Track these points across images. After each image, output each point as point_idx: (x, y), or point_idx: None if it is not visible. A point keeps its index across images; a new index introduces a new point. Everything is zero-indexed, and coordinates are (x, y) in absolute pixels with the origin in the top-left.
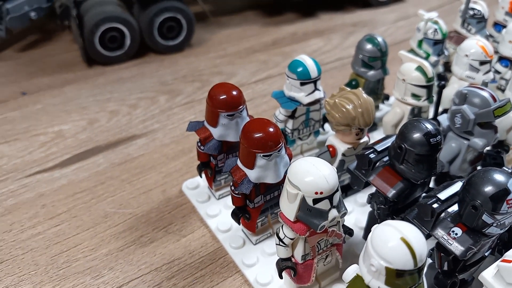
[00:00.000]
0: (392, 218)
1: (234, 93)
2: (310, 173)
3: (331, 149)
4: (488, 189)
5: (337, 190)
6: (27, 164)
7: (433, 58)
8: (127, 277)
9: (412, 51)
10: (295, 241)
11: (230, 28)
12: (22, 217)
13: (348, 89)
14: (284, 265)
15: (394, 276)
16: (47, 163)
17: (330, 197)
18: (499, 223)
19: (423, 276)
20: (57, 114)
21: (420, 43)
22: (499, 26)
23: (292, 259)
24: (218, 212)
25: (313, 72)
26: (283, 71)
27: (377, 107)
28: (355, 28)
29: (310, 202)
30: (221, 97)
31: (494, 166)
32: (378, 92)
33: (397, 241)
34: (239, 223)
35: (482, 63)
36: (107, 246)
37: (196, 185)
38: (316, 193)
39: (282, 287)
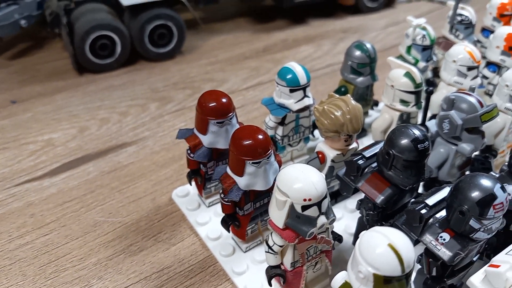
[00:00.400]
0: (381, 224)
1: (224, 100)
2: (298, 180)
3: (320, 155)
4: (475, 194)
5: (325, 197)
6: (15, 173)
7: (422, 64)
8: (116, 286)
9: (401, 57)
10: (284, 248)
11: (222, 34)
12: (10, 226)
13: (337, 95)
14: (273, 273)
15: (382, 282)
16: (36, 172)
17: (318, 204)
18: (486, 228)
19: (412, 282)
20: (47, 122)
21: (409, 49)
22: (487, 31)
23: (282, 266)
24: (208, 220)
25: (302, 79)
26: (274, 77)
27: (366, 113)
28: (345, 35)
29: (298, 209)
30: (210, 105)
31: (482, 171)
32: (367, 98)
33: (384, 248)
34: (228, 231)
35: (470, 68)
36: (96, 255)
37: (186, 193)
38: (305, 200)
39: None
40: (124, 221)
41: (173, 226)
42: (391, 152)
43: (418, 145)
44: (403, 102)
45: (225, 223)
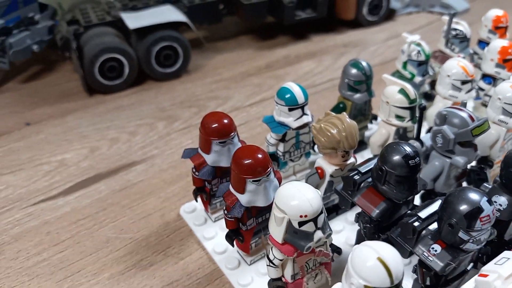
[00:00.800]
0: (378, 236)
1: (225, 121)
2: (295, 197)
3: (319, 171)
4: (463, 207)
5: (321, 213)
6: (31, 193)
7: (418, 79)
8: None
9: (398, 72)
10: (285, 261)
11: (225, 53)
12: (28, 244)
13: (333, 114)
14: (275, 285)
15: None
16: (51, 191)
17: (314, 220)
18: (475, 239)
19: None
20: (59, 143)
21: (405, 65)
22: (483, 43)
23: (283, 278)
24: (214, 235)
25: (300, 98)
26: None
27: (366, 127)
28: (346, 49)
29: (295, 225)
30: (213, 126)
31: (479, 181)
32: (365, 113)
33: (374, 261)
34: (233, 245)
35: (464, 82)
36: (109, 270)
37: (193, 209)
38: (301, 216)
39: None
40: (134, 237)
41: (181, 241)
42: (384, 168)
43: (409, 161)
44: (399, 117)
45: (229, 238)
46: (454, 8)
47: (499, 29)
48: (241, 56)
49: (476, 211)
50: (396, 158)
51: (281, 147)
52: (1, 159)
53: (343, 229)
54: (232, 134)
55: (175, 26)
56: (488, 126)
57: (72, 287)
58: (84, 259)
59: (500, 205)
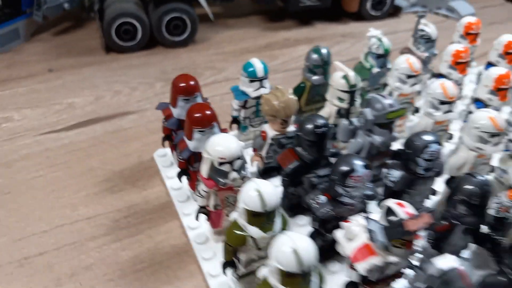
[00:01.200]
0: (292, 186)
1: (192, 82)
2: (219, 144)
3: (263, 134)
4: (341, 167)
5: (239, 159)
6: (41, 125)
7: (375, 70)
8: (95, 213)
9: (360, 62)
10: (209, 194)
11: (233, 29)
12: (30, 163)
13: (280, 87)
14: (201, 211)
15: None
16: (57, 126)
17: (231, 163)
18: (349, 194)
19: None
20: (73, 89)
21: (366, 56)
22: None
23: (207, 207)
24: (174, 175)
25: (260, 73)
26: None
27: (322, 107)
28: (343, 39)
29: (216, 165)
30: (180, 84)
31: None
32: (322, 94)
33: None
34: (181, 181)
35: (409, 76)
36: (87, 190)
37: (164, 154)
38: (220, 158)
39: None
40: (113, 169)
41: (148, 177)
42: (298, 134)
43: (316, 130)
44: (340, 99)
45: (180, 175)
46: (459, 13)
47: (459, 64)
48: (246, 34)
49: (350, 170)
50: (308, 126)
51: (242, 113)
52: (24, 96)
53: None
54: (196, 93)
55: (189, 0)
56: (403, 113)
57: (57, 197)
58: (70, 179)
59: (395, 177)
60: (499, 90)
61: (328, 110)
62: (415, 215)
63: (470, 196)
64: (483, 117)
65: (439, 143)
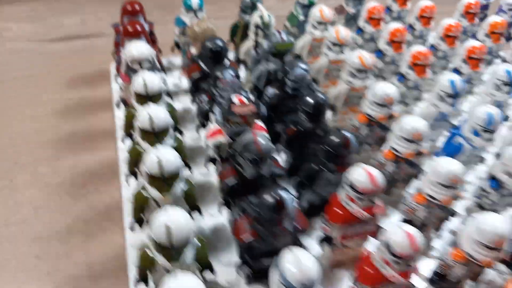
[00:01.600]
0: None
1: (136, 6)
2: (133, 48)
3: (188, 55)
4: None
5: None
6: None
7: (301, 17)
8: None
9: (292, 12)
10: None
11: None
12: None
13: (206, 20)
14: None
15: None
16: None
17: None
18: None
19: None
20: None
21: (295, 6)
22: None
23: None
24: None
25: (194, 5)
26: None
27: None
28: None
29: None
30: (126, 7)
31: None
32: None
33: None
34: None
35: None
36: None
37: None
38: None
39: None
40: None
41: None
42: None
43: (213, 48)
44: (256, 34)
45: None
46: None
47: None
48: None
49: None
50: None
51: (182, 39)
52: None
53: None
54: (137, 15)
55: None
56: (291, 47)
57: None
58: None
59: (270, 94)
60: (415, 65)
61: (248, 44)
62: (244, 103)
63: (308, 107)
64: (355, 56)
65: (307, 71)
